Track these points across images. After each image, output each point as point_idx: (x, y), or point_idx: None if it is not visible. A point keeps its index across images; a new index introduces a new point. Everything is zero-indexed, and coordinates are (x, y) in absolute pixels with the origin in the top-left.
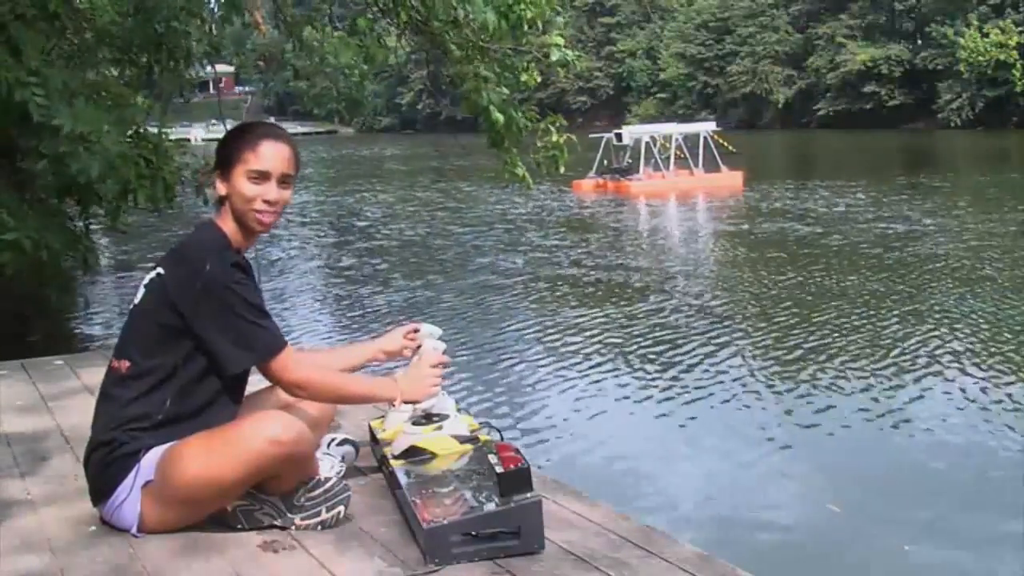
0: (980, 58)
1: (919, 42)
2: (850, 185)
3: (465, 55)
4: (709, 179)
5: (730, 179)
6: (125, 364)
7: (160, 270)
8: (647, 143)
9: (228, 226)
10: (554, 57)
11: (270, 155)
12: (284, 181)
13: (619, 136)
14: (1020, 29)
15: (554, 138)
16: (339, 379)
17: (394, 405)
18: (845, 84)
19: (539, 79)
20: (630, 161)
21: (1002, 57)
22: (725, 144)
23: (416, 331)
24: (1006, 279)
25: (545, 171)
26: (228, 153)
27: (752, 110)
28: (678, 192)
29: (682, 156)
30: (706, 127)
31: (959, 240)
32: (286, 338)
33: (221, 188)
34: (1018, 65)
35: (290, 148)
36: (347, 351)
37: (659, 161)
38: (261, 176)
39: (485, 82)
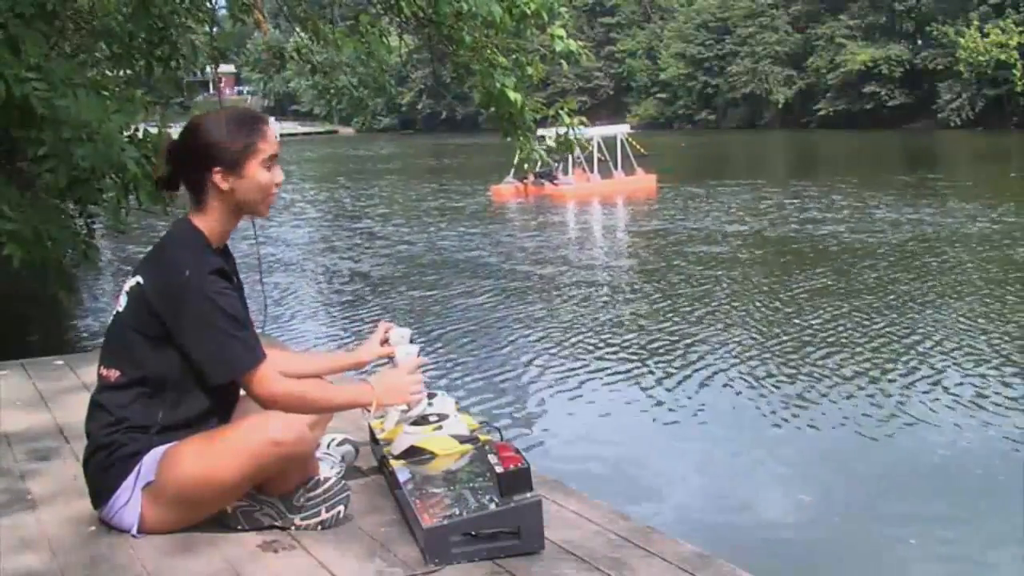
0: (980, 58)
1: (919, 42)
2: (803, 184)
3: (474, 43)
4: (628, 182)
5: (646, 181)
6: (115, 373)
7: (139, 279)
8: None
9: (209, 223)
10: (557, 48)
11: (274, 138)
12: None
13: (541, 139)
14: (1020, 29)
15: (566, 121)
16: (313, 392)
17: (369, 411)
18: (845, 84)
19: (543, 73)
20: (556, 164)
21: (1002, 57)
22: (637, 146)
23: (388, 337)
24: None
25: (561, 153)
26: (236, 147)
27: (752, 110)
28: (602, 196)
29: (603, 159)
30: (621, 129)
31: (885, 236)
32: (270, 337)
33: (223, 185)
34: (1018, 65)
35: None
36: (323, 356)
37: (584, 164)
38: (273, 160)
39: (494, 68)
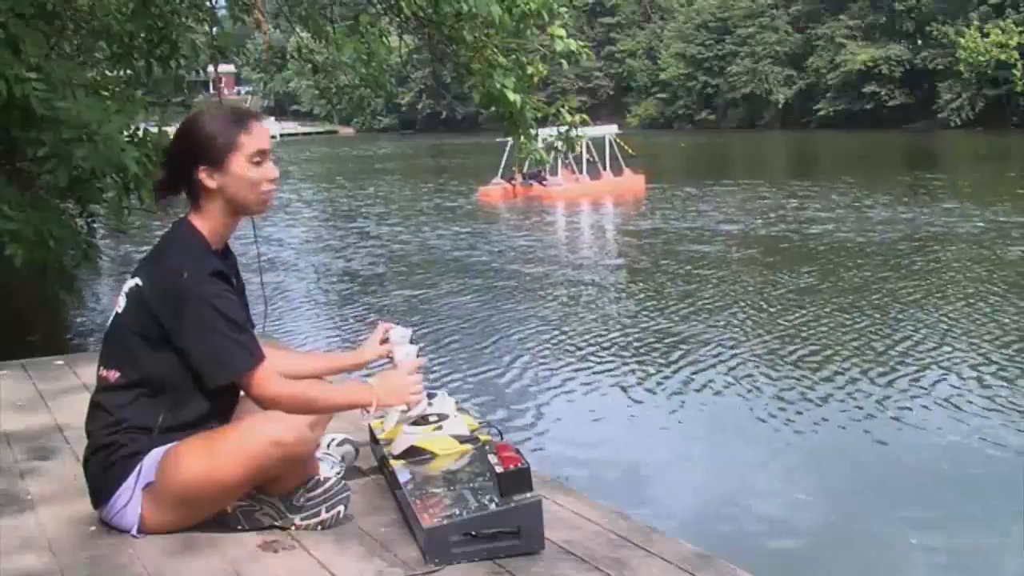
0: (980, 58)
1: (919, 42)
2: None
3: (475, 42)
4: (617, 183)
5: (635, 182)
6: (114, 374)
7: (138, 280)
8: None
9: (208, 224)
10: (558, 48)
11: (262, 134)
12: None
13: (536, 137)
14: (1020, 29)
15: (567, 119)
16: (313, 392)
17: (369, 411)
18: (845, 84)
19: (544, 73)
20: (548, 164)
21: (1002, 57)
22: (625, 147)
23: (387, 336)
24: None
25: (565, 150)
26: (217, 144)
27: (752, 110)
28: (591, 196)
29: (591, 160)
30: (609, 130)
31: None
32: (269, 339)
33: (210, 183)
34: (1018, 65)
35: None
36: (323, 356)
37: (572, 165)
38: (262, 156)
39: (494, 68)
